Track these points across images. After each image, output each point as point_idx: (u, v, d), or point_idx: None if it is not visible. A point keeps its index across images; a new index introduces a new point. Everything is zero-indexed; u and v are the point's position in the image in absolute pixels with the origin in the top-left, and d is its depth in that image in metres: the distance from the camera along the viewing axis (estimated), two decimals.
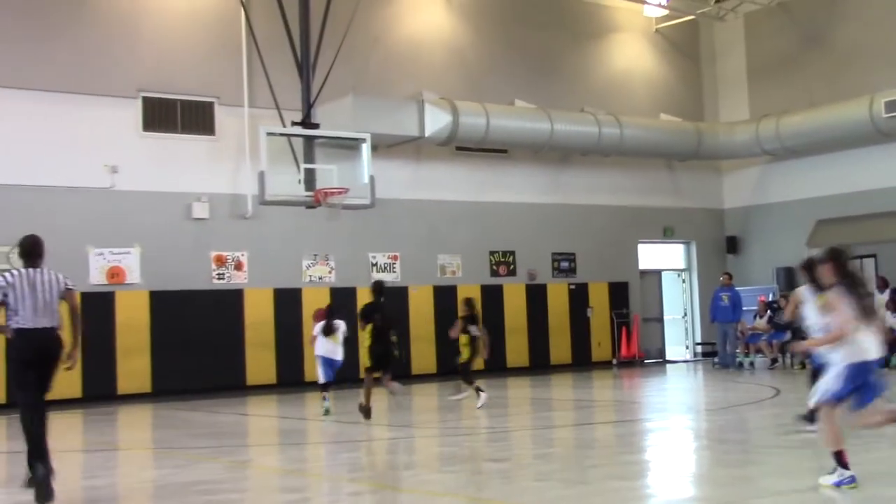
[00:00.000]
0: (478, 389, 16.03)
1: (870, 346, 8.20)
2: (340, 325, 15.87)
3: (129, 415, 18.62)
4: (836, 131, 25.79)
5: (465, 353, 17.20)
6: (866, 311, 8.29)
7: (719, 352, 24.90)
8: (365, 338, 15.31)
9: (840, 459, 7.98)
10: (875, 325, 8.47)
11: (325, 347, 15.77)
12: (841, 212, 26.53)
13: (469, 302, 17.80)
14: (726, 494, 8.52)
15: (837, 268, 8.39)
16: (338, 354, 15.82)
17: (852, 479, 7.90)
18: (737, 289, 25.34)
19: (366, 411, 14.67)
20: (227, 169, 22.33)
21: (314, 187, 20.37)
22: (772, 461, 10.19)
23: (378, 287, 15.74)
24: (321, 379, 15.85)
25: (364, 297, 23.03)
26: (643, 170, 28.23)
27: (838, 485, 7.92)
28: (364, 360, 15.60)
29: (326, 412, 15.57)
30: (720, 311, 24.41)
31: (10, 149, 20.11)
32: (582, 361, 25.56)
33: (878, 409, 8.39)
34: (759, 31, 28.83)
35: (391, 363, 15.52)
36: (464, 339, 17.22)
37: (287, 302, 22.27)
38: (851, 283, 8.30)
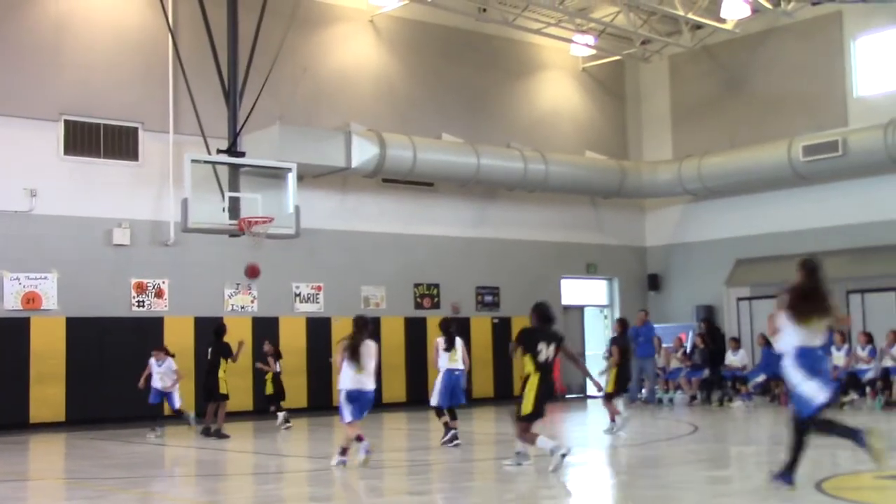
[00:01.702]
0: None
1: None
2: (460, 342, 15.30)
3: (42, 444, 18.21)
4: (755, 173, 26.25)
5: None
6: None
7: (633, 387, 24.60)
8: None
9: None
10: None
11: (447, 364, 15.07)
12: (760, 252, 26.96)
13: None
14: None
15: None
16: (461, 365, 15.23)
17: None
18: (654, 325, 25.47)
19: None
20: (149, 195, 22.06)
21: (238, 216, 20.14)
22: (687, 497, 10.23)
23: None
24: (441, 402, 15.08)
25: (287, 327, 22.97)
26: (568, 206, 28.47)
27: None
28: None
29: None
30: (639, 346, 24.18)
31: None
32: (504, 395, 25.51)
33: None
34: (684, 74, 29.31)
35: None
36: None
37: (208, 331, 21.92)
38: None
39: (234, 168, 20.75)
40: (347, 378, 12.81)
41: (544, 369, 11.77)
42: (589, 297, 29.46)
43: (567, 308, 28.38)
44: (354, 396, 12.76)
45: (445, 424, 14.99)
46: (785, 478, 9.38)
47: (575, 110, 29.32)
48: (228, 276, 22.84)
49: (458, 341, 15.25)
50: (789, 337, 9.59)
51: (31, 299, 20.54)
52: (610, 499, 10.70)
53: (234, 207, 20.30)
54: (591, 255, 29.00)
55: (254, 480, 12.90)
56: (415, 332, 25.15)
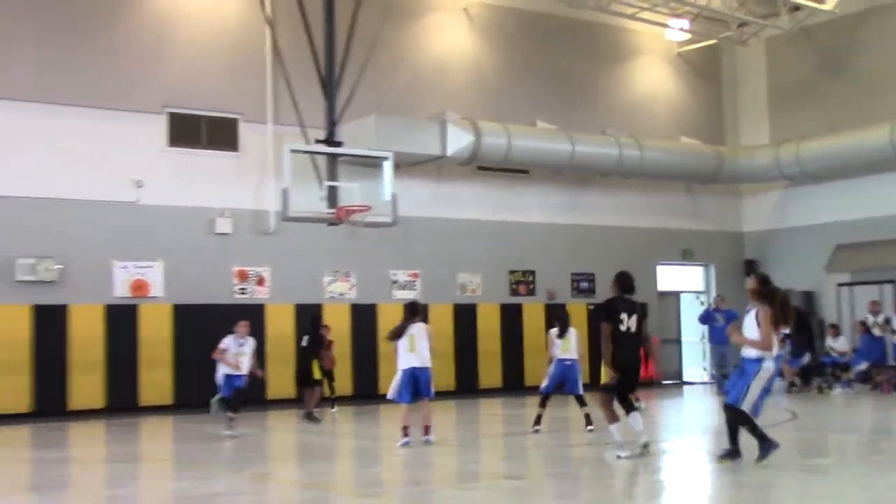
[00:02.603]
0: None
1: None
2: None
3: (151, 426, 18.66)
4: (855, 157, 25.76)
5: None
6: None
7: (716, 375, 24.41)
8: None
9: None
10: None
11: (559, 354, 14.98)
12: (860, 237, 26.47)
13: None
14: None
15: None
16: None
17: None
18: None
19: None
20: (250, 185, 22.45)
21: (336, 204, 20.45)
22: (791, 485, 10.18)
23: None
24: (545, 389, 15.17)
25: (386, 314, 23.20)
26: (663, 192, 28.25)
27: None
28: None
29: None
30: (715, 332, 23.78)
31: (38, 163, 20.30)
32: (600, 380, 25.45)
33: None
34: (781, 57, 28.84)
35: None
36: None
37: (307, 317, 22.31)
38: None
39: (332, 157, 21.04)
40: (403, 359, 13.40)
41: (625, 339, 11.74)
42: (685, 283, 29.22)
43: (663, 294, 28.20)
44: (409, 374, 13.34)
45: (538, 415, 14.99)
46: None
47: (670, 95, 29.05)
48: (327, 264, 23.12)
49: (572, 330, 15.07)
50: None
51: (139, 287, 21.07)
52: (707, 488, 10.70)
53: (332, 196, 20.61)
54: (687, 241, 28.73)
55: (353, 463, 13.11)
56: (510, 318, 25.22)
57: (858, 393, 22.33)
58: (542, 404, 15.10)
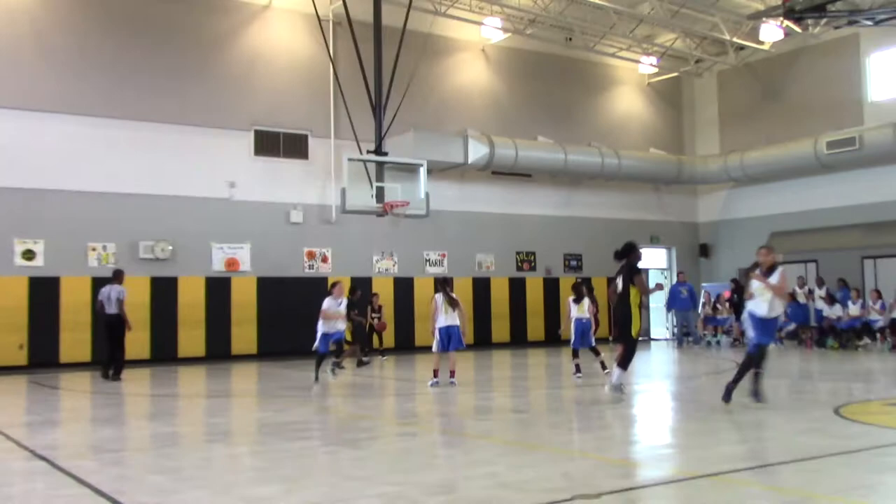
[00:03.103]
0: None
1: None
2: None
3: (241, 370, 18.80)
4: (787, 164, 25.56)
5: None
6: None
7: (678, 334, 24.53)
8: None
9: None
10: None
11: (576, 314, 14.85)
12: (790, 226, 26.28)
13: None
14: (695, 442, 8.48)
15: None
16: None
17: None
18: (708, 285, 25.13)
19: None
20: (317, 185, 22.51)
21: (383, 200, 20.45)
22: (731, 418, 10.13)
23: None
24: (574, 344, 14.82)
25: (419, 284, 23.25)
26: (636, 191, 28.10)
27: None
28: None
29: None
30: (679, 301, 24.00)
31: (155, 168, 20.45)
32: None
33: None
34: (729, 86, 28.59)
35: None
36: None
37: (362, 287, 22.31)
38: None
39: (380, 164, 21.02)
40: (439, 319, 13.66)
41: (616, 299, 11.48)
42: (652, 262, 29.08)
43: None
44: (444, 331, 13.58)
45: (577, 365, 14.79)
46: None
47: (642, 116, 28.86)
48: (376, 246, 23.18)
49: (586, 298, 15.03)
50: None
51: (231, 263, 21.20)
52: (669, 420, 10.66)
53: (379, 194, 20.59)
54: (654, 229, 28.59)
55: (396, 400, 13.17)
56: (516, 289, 25.23)
57: (788, 348, 22.18)
58: (575, 356, 14.97)
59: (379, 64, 21.65)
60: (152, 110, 20.53)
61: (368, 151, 21.19)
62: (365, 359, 18.18)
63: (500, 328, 24.81)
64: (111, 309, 15.80)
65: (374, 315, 19.80)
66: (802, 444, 7.83)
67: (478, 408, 11.75)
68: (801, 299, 23.37)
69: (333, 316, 14.64)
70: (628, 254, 11.53)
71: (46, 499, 6.24)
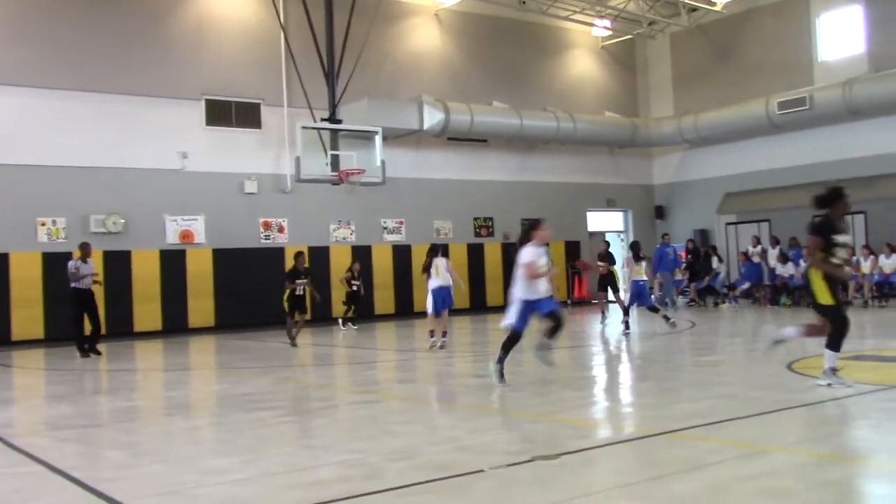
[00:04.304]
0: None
1: None
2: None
3: (198, 343, 18.67)
4: (739, 125, 25.80)
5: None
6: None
7: (666, 295, 24.25)
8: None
9: None
10: None
11: (633, 276, 15.61)
12: (743, 186, 26.62)
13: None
14: (653, 401, 8.60)
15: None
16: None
17: None
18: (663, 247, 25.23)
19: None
20: (270, 155, 22.27)
21: (338, 169, 20.37)
22: (688, 377, 10.29)
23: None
24: (628, 303, 15.93)
25: (377, 253, 23.18)
26: (591, 155, 28.22)
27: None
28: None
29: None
30: (667, 262, 22.79)
31: (105, 140, 20.09)
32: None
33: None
34: (682, 48, 28.72)
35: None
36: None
37: (318, 256, 22.31)
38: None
39: (334, 132, 20.93)
40: (431, 282, 14.14)
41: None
42: (609, 224, 29.32)
43: (592, 233, 28.30)
44: (436, 292, 14.08)
45: (626, 323, 15.67)
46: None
47: (596, 79, 28.91)
48: (333, 215, 23.05)
49: (643, 260, 15.77)
50: None
51: (185, 235, 20.95)
52: (632, 377, 10.81)
53: (334, 163, 20.53)
54: (610, 193, 28.79)
55: (356, 369, 13.17)
56: (475, 254, 25.29)
57: (742, 307, 22.55)
58: (626, 314, 15.92)
59: (331, 30, 21.44)
60: (100, 81, 20.10)
61: (322, 119, 21.04)
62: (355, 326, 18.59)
63: (458, 295, 24.83)
64: (85, 283, 15.50)
65: (354, 283, 19.82)
66: (756, 399, 7.98)
67: (439, 373, 11.80)
68: (755, 259, 23.72)
69: (539, 274, 9.41)
70: (830, 203, 8.50)
71: (0, 478, 6.15)
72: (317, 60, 21.29)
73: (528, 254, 9.43)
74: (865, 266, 21.23)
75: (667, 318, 15.64)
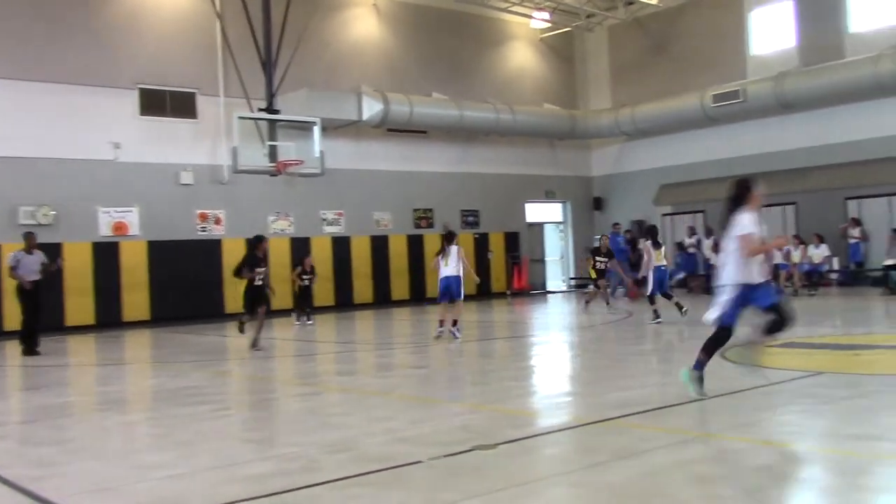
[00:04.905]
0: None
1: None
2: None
3: (133, 337, 18.35)
4: (675, 117, 26.18)
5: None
6: None
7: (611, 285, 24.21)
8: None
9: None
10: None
11: (655, 262, 15.40)
12: (679, 178, 27.05)
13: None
14: (590, 390, 8.72)
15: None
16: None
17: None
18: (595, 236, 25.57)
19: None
20: (207, 145, 21.94)
21: (276, 160, 20.17)
22: (626, 365, 10.45)
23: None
24: (652, 291, 15.43)
25: (317, 244, 23.04)
26: (530, 146, 28.40)
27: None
28: None
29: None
30: (619, 252, 22.49)
31: (34, 130, 19.56)
32: (485, 292, 25.76)
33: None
34: (619, 41, 29.04)
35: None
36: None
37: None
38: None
39: (272, 123, 20.68)
40: (441, 270, 13.81)
41: None
42: (548, 216, 29.56)
43: (531, 225, 28.51)
44: (444, 282, 13.74)
45: (654, 311, 15.18)
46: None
47: (535, 71, 29.08)
48: (271, 206, 22.81)
49: (662, 245, 15.74)
50: None
51: (119, 227, 20.54)
52: (571, 366, 10.92)
53: (272, 153, 20.30)
54: (549, 184, 29.01)
55: (296, 361, 13.08)
56: (415, 245, 25.28)
57: (678, 297, 22.87)
58: (652, 301, 15.44)
59: (268, 18, 21.17)
60: (27, 69, 19.54)
61: (260, 110, 20.78)
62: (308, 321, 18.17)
63: (400, 286, 24.86)
64: (34, 276, 14.59)
65: (305, 277, 19.45)
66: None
67: (378, 365, 11.79)
68: (691, 249, 24.16)
69: (763, 248, 7.62)
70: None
71: None
72: (254, 50, 21.01)
73: (747, 221, 7.30)
74: (796, 255, 21.79)
75: (679, 307, 15.28)
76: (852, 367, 9.47)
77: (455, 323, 13.82)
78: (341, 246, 23.85)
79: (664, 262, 15.47)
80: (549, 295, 27.50)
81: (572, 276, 29.19)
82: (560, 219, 29.91)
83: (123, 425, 7.94)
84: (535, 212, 28.85)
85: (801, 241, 22.15)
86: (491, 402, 8.18)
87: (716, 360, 9.90)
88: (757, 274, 7.25)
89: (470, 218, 26.89)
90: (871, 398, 7.51)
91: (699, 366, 7.55)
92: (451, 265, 13.78)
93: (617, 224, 25.84)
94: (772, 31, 25.29)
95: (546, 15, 27.63)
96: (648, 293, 15.52)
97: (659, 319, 15.01)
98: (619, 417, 6.84)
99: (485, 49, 27.67)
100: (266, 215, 22.75)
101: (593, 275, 19.30)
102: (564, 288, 28.94)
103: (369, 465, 5.59)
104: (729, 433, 6.25)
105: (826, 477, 5.27)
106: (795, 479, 5.26)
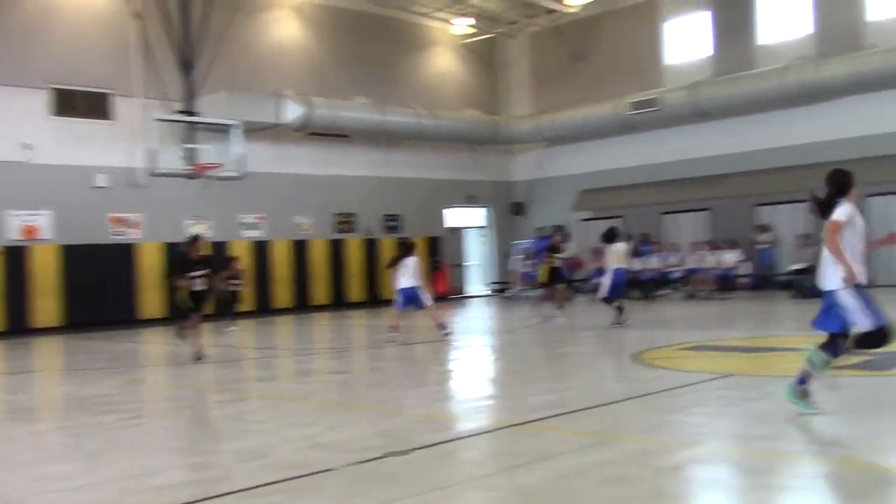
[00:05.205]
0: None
1: None
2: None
3: (43, 344, 17.78)
4: (594, 124, 26.60)
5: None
6: None
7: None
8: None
9: None
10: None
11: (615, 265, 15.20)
12: (598, 184, 27.49)
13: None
14: (507, 394, 8.78)
15: None
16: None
17: None
18: (522, 242, 25.93)
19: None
20: (122, 147, 21.41)
21: (194, 163, 19.86)
22: (544, 369, 10.55)
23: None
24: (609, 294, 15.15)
25: (236, 249, 22.72)
26: (452, 151, 28.51)
27: None
28: None
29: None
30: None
31: None
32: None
33: None
34: (540, 48, 29.39)
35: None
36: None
37: (174, 253, 21.52)
38: None
39: (191, 125, 20.37)
40: (398, 281, 13.98)
41: None
42: (469, 221, 29.69)
43: (452, 230, 28.62)
44: (403, 294, 13.94)
45: (618, 308, 14.97)
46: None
47: (457, 77, 29.23)
48: (189, 210, 22.38)
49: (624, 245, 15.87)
50: None
51: (29, 231, 19.92)
52: (492, 369, 10.98)
53: (190, 156, 19.98)
54: (471, 189, 29.17)
55: (215, 367, 12.86)
56: (336, 250, 25.12)
57: (595, 300, 23.20)
58: (609, 303, 15.24)
59: (187, 19, 20.84)
60: None
61: (178, 111, 20.42)
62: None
63: (320, 290, 24.67)
64: None
65: (233, 282, 19.07)
66: (604, 390, 8.28)
67: (298, 371, 11.68)
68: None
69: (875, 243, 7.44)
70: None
71: None
72: (174, 50, 20.63)
73: (846, 215, 6.55)
74: (710, 260, 22.37)
75: (619, 312, 14.97)
76: (760, 370, 9.75)
77: (441, 326, 14.20)
78: (262, 250, 23.56)
79: (624, 265, 15.48)
80: (471, 299, 27.62)
81: (493, 280, 29.39)
82: (482, 224, 30.08)
83: (29, 435, 7.69)
84: (457, 217, 28.96)
85: (714, 246, 22.77)
86: (411, 406, 8.18)
87: (629, 363, 10.08)
88: (862, 275, 6.52)
89: (392, 222, 26.85)
90: (773, 400, 7.73)
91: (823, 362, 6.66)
92: (409, 276, 13.92)
93: (542, 228, 26.19)
94: (686, 42, 25.94)
95: (468, 21, 27.80)
96: (605, 296, 15.26)
97: (626, 319, 14.86)
98: (534, 421, 6.90)
99: (407, 54, 27.69)
100: (184, 219, 22.31)
101: (546, 276, 18.55)
102: (487, 292, 29.11)
103: (283, 473, 5.53)
104: (640, 435, 6.37)
105: (731, 477, 5.41)
106: (702, 480, 5.39)
